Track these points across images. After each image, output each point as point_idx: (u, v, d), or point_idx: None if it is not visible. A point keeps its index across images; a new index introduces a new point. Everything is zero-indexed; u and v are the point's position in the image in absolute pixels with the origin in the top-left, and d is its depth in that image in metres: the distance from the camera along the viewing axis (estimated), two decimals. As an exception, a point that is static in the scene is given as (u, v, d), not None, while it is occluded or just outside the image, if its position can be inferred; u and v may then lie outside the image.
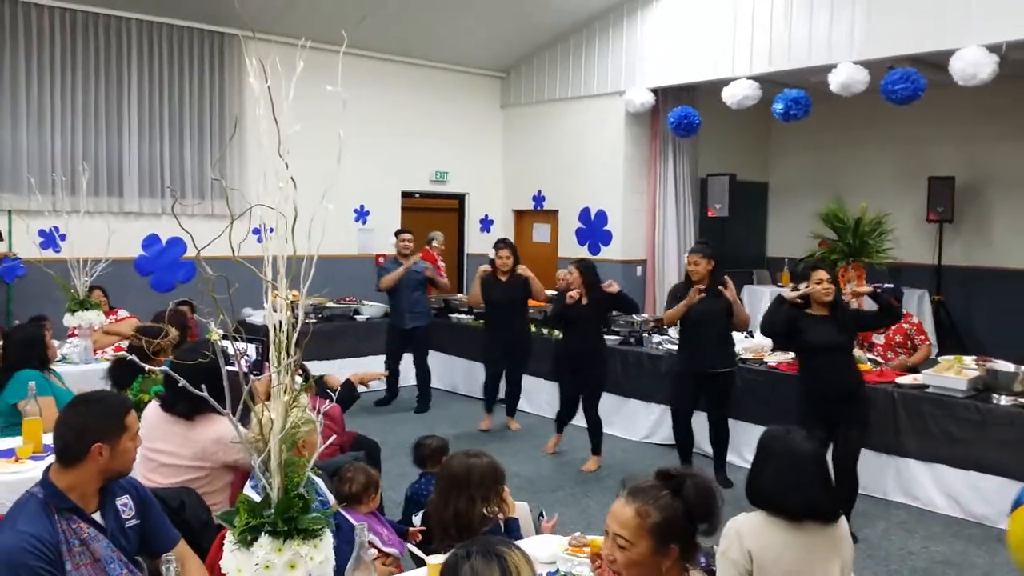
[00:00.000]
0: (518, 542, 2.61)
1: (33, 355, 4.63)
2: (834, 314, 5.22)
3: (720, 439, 6.30)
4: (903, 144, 11.11)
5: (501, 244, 7.80)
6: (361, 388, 5.05)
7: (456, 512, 3.03)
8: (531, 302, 7.84)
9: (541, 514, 3.57)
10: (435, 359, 8.95)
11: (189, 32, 9.12)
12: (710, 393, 6.24)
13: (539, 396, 8.31)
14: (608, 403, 7.09)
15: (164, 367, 3.10)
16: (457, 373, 9.28)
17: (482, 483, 3.10)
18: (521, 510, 3.37)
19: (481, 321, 8.33)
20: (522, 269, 7.60)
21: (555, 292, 7.70)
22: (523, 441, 7.44)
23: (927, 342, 6.85)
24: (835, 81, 8.15)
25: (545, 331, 8.10)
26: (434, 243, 9.84)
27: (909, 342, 6.72)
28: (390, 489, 5.70)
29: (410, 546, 3.17)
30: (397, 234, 8.72)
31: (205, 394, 1.92)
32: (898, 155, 11.25)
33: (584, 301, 6.63)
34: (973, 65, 7.23)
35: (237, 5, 7.37)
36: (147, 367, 3.82)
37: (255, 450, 1.98)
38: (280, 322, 1.93)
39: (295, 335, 1.96)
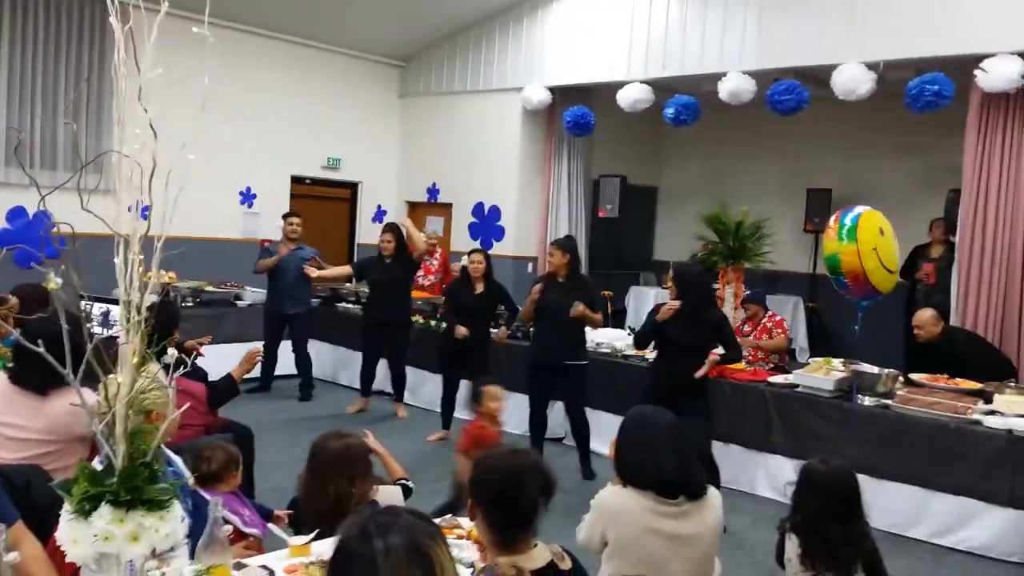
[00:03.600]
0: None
1: None
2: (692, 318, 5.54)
3: (580, 430, 6.47)
4: (786, 155, 11.52)
5: (386, 228, 7.92)
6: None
7: (337, 494, 2.95)
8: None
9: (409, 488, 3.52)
10: (317, 348, 8.82)
11: (68, -5, 8.63)
12: (563, 385, 6.41)
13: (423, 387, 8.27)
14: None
15: (11, 339, 2.90)
16: (339, 362, 9.14)
17: (360, 462, 3.05)
18: (393, 494, 3.30)
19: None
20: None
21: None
22: (406, 430, 7.38)
23: (783, 334, 7.28)
24: (724, 89, 8.39)
25: (432, 323, 8.08)
26: (427, 230, 9.59)
27: (765, 335, 7.19)
28: (264, 479, 5.56)
29: (273, 527, 3.06)
30: (285, 217, 8.51)
31: (52, 360, 1.79)
32: (781, 165, 11.67)
33: (478, 290, 6.73)
34: (853, 80, 7.56)
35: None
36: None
37: (99, 416, 1.85)
38: (130, 278, 1.81)
39: (145, 294, 1.84)
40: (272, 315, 8.42)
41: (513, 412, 7.33)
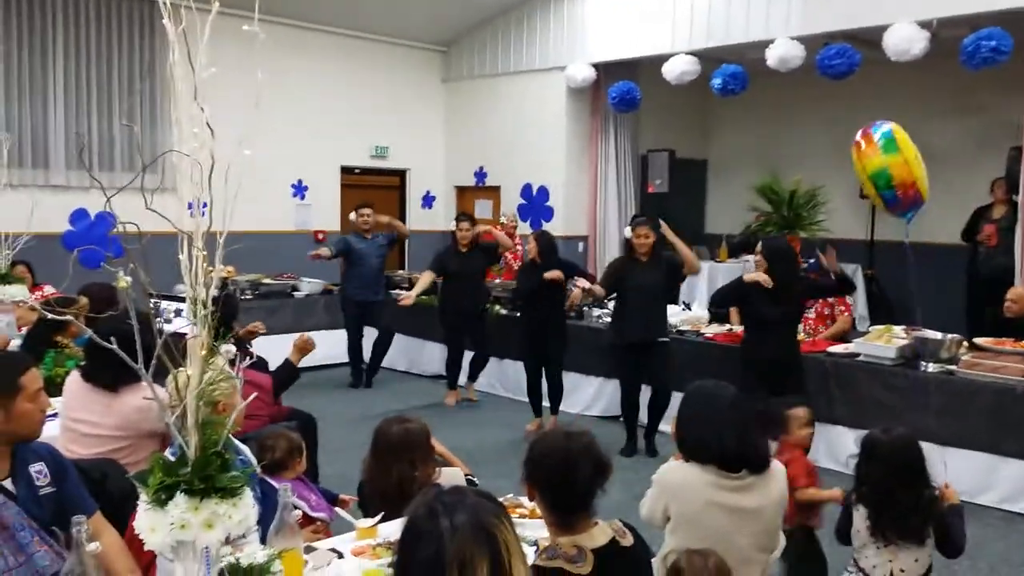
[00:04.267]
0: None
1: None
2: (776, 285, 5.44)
3: (657, 407, 6.39)
4: (838, 120, 11.20)
5: (463, 217, 7.92)
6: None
7: (400, 478, 3.01)
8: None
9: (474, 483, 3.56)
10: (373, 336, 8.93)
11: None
12: (648, 363, 6.33)
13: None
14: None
15: (84, 338, 2.99)
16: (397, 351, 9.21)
17: (420, 446, 3.10)
18: (456, 475, 3.35)
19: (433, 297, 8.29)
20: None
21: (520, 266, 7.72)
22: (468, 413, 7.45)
23: (846, 312, 7.02)
24: (772, 56, 8.24)
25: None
26: (503, 220, 9.57)
27: (828, 309, 6.91)
28: (327, 464, 5.67)
29: (340, 511, 3.13)
30: (357, 208, 8.60)
31: (124, 357, 1.85)
32: (833, 132, 11.37)
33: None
34: (906, 41, 7.37)
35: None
36: (58, 339, 3.69)
37: (171, 409, 1.91)
38: (195, 274, 1.86)
39: (212, 289, 1.89)
40: (349, 305, 8.56)
41: (596, 396, 7.45)
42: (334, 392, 8.17)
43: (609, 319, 7.35)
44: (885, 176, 5.56)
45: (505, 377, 8.18)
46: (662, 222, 6.48)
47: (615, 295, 6.47)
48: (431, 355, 8.92)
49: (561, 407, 7.14)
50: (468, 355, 7.98)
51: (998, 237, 8.25)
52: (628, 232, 6.52)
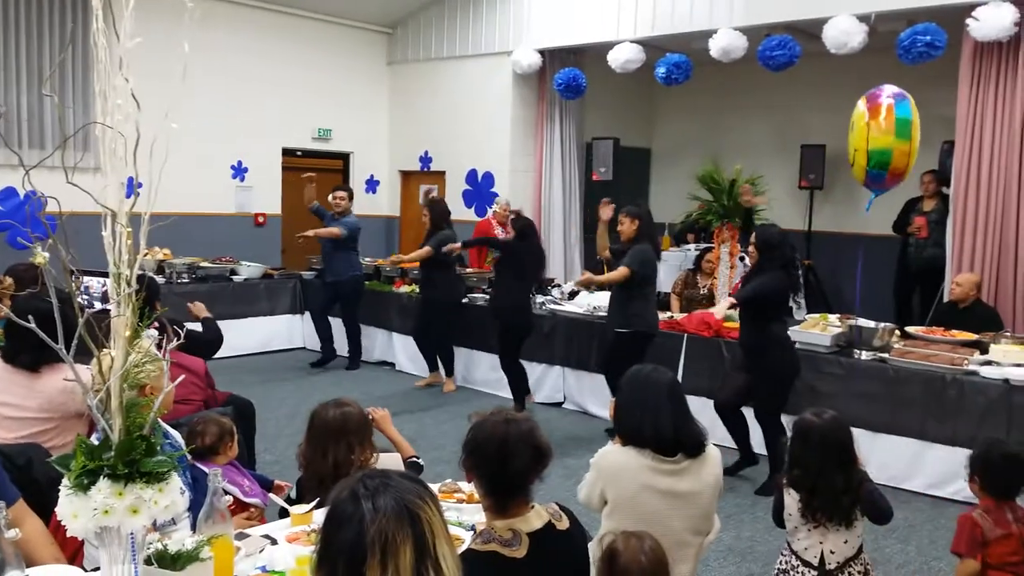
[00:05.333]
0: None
1: None
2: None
3: None
4: (779, 111, 11.44)
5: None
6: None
7: (335, 462, 2.98)
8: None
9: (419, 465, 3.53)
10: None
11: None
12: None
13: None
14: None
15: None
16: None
17: (358, 430, 3.06)
18: (393, 461, 3.32)
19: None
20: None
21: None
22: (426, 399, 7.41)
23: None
24: (715, 47, 8.32)
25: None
26: (496, 208, 9.24)
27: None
28: (266, 452, 5.60)
29: (273, 496, 3.07)
30: (334, 191, 8.44)
31: (44, 336, 1.78)
32: (774, 122, 11.59)
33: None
34: (844, 34, 7.50)
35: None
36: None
37: (93, 391, 1.85)
38: (119, 251, 1.79)
39: (135, 268, 1.82)
40: (327, 286, 8.43)
41: (537, 385, 7.46)
42: (278, 378, 8.03)
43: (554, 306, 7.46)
44: (885, 157, 5.48)
45: (473, 368, 8.10)
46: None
47: (639, 285, 6.21)
48: (378, 342, 8.84)
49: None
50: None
51: (928, 229, 8.46)
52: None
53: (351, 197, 8.44)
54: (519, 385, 7.01)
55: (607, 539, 2.41)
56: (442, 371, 7.83)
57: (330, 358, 8.54)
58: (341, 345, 8.58)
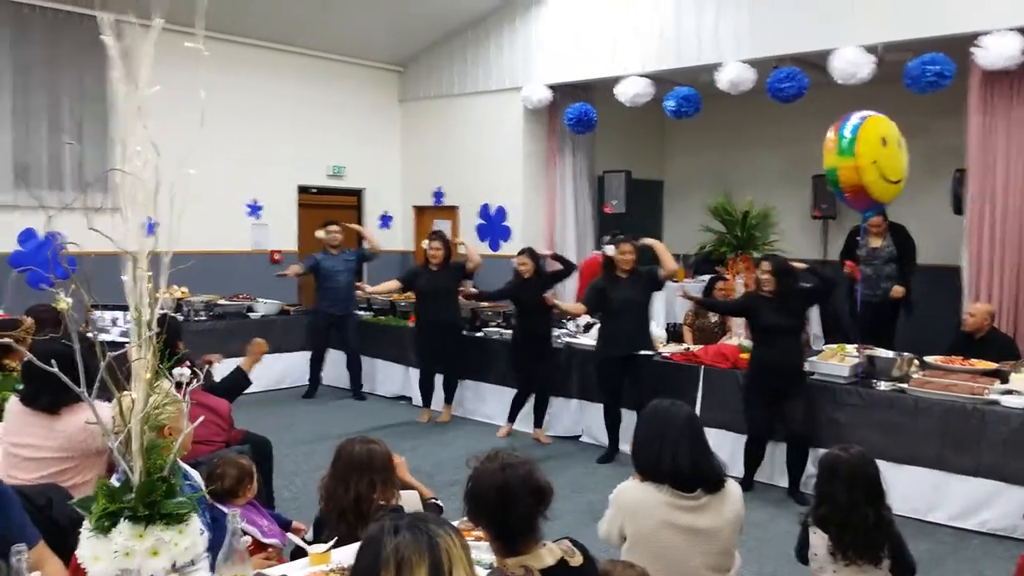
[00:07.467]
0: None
1: None
2: (782, 298, 5.77)
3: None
4: (789, 143, 11.47)
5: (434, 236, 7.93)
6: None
7: (357, 496, 2.99)
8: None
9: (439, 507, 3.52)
10: (335, 356, 8.98)
11: (65, 16, 8.60)
12: (635, 378, 6.50)
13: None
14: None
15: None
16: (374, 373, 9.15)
17: (382, 468, 3.08)
18: (411, 498, 3.31)
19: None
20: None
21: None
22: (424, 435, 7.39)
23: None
24: (723, 79, 8.37)
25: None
26: (460, 249, 8.63)
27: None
28: (284, 488, 5.59)
29: (292, 536, 3.07)
30: (324, 226, 8.63)
31: (64, 378, 1.80)
32: (785, 153, 11.62)
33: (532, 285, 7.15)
34: (852, 64, 7.54)
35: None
36: (5, 362, 3.58)
37: (114, 432, 1.87)
38: (140, 294, 1.82)
39: (155, 308, 1.85)
40: (320, 318, 8.65)
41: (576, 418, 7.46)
42: (296, 414, 8.04)
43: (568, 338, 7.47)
44: (832, 176, 5.61)
45: (478, 400, 8.09)
46: (645, 238, 6.85)
47: (600, 313, 6.71)
48: (390, 375, 8.87)
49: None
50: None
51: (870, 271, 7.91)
52: (611, 250, 6.68)
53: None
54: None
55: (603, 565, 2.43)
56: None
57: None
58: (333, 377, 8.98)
